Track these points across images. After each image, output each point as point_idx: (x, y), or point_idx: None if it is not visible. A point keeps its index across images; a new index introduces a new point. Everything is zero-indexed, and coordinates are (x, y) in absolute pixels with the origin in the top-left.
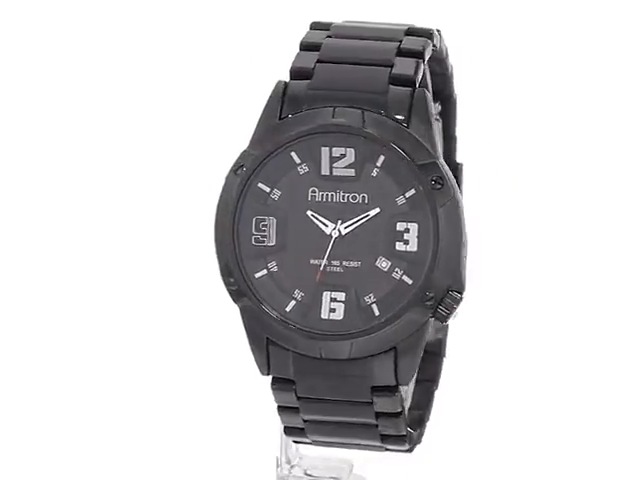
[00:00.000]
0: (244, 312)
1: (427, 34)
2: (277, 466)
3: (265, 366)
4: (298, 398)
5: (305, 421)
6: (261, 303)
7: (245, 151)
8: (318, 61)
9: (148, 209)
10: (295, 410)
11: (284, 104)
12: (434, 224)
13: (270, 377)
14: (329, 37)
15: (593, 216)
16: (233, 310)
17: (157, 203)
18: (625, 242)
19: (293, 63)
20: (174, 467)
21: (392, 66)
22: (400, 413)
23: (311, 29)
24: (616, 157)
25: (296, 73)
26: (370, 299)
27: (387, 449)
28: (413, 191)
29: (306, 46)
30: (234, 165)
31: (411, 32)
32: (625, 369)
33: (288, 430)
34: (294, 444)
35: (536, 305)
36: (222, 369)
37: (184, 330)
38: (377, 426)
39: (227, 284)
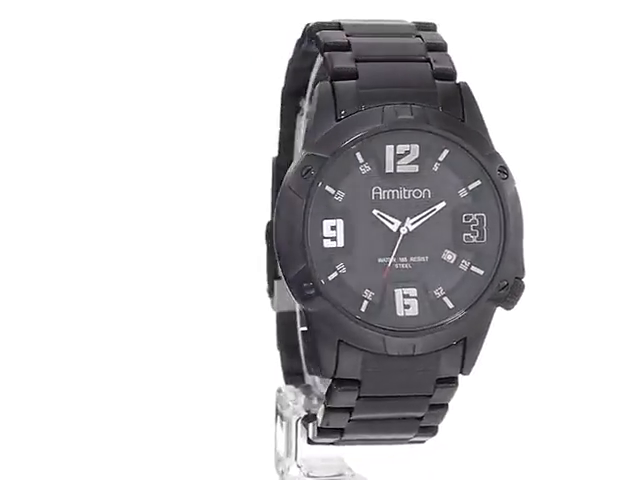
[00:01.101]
0: (316, 316)
1: (434, 27)
2: (284, 470)
3: (333, 368)
4: (358, 398)
5: (350, 421)
6: (336, 305)
7: (309, 154)
8: (356, 61)
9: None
10: (348, 411)
11: (337, 105)
12: (503, 213)
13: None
14: (349, 36)
15: (593, 216)
16: (235, 314)
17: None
18: (625, 238)
19: (333, 64)
20: (180, 471)
21: (428, 61)
22: (448, 404)
23: (321, 29)
24: (615, 157)
25: (339, 74)
26: (440, 292)
27: (411, 441)
28: (478, 182)
29: (333, 46)
30: (301, 169)
31: (421, 27)
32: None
33: (323, 431)
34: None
35: (536, 304)
36: (227, 374)
37: (188, 333)
38: (421, 418)
39: (302, 289)
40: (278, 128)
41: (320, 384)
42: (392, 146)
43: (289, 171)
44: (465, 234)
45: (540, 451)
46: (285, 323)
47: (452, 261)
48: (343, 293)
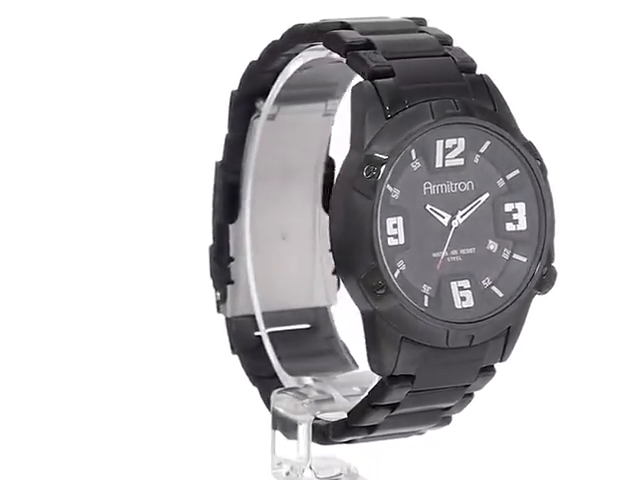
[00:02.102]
0: (381, 314)
1: (425, 22)
2: (290, 472)
3: (392, 365)
4: (408, 393)
5: (389, 417)
6: (404, 302)
7: (370, 154)
8: (387, 58)
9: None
10: (393, 406)
11: (384, 104)
12: (543, 200)
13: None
14: (363, 34)
15: (593, 214)
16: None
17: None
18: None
19: (369, 63)
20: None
21: (448, 55)
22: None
23: (331, 29)
24: (615, 156)
25: (377, 72)
26: (487, 282)
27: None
28: (517, 172)
29: (357, 46)
30: (364, 170)
31: (417, 22)
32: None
33: (356, 429)
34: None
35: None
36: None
37: (189, 335)
38: (449, 408)
39: (373, 289)
40: (226, 131)
41: (315, 384)
42: (442, 141)
43: (346, 172)
44: (508, 223)
45: (538, 455)
46: (238, 327)
47: (494, 250)
48: (407, 290)
